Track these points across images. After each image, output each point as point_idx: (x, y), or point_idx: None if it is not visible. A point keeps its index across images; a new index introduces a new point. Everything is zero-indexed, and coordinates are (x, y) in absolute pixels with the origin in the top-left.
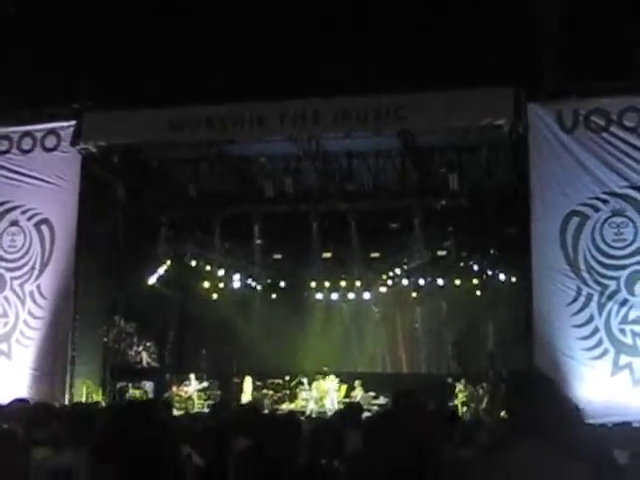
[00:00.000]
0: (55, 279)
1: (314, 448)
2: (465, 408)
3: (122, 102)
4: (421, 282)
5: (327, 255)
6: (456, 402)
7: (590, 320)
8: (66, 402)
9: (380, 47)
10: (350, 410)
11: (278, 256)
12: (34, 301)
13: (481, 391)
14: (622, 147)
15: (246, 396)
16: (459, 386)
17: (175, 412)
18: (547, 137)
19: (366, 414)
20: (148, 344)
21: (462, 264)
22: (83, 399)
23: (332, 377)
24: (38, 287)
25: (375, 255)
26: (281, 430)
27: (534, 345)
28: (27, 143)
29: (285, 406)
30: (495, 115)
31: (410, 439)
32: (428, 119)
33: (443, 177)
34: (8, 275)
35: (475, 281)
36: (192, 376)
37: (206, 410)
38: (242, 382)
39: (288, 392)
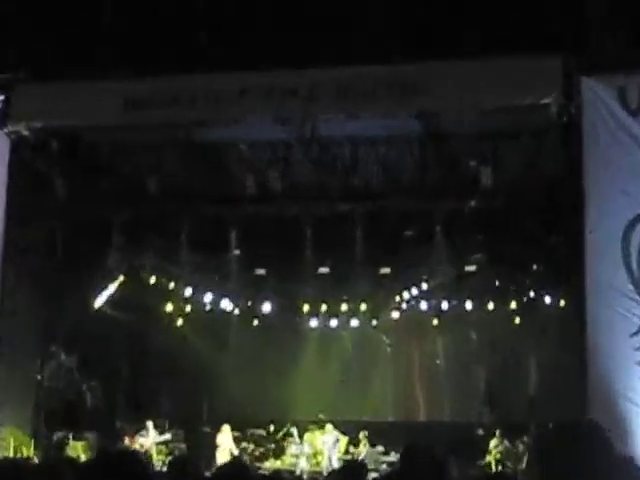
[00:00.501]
0: None
1: None
2: (500, 467)
3: (64, 72)
4: (444, 306)
5: (324, 270)
6: (489, 459)
7: None
8: None
9: (395, 5)
10: (351, 470)
11: (261, 271)
12: None
13: (521, 446)
14: None
15: (223, 452)
16: (493, 440)
17: None
18: (606, 120)
19: (372, 475)
20: (93, 383)
21: (497, 283)
22: (10, 452)
23: (330, 427)
24: None
25: (386, 271)
26: None
27: (588, 387)
28: None
29: (269, 464)
30: (539, 92)
31: None
32: (455, 96)
33: (473, 171)
34: None
35: (513, 305)
36: (150, 424)
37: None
38: (216, 432)
39: (273, 446)
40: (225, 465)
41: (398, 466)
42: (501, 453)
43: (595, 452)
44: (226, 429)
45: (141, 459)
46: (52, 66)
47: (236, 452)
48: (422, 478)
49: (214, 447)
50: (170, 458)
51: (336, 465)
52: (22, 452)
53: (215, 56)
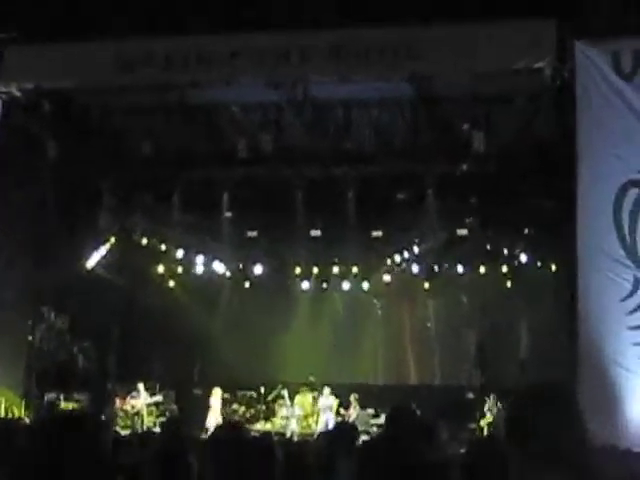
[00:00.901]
0: None
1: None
2: (494, 431)
3: (55, 32)
4: (435, 269)
5: (316, 233)
6: (482, 424)
7: None
8: None
9: None
10: (343, 432)
11: (253, 233)
12: None
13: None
14: None
15: (214, 413)
16: (487, 403)
17: (120, 431)
18: (599, 84)
19: (363, 438)
20: (85, 344)
21: (488, 247)
22: (1, 413)
23: (327, 391)
24: None
25: (377, 234)
26: (251, 459)
27: (578, 351)
28: None
29: (259, 426)
30: (533, 55)
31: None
32: (448, 59)
33: (465, 135)
34: None
35: (504, 269)
36: (141, 386)
37: (157, 429)
38: (208, 394)
39: (264, 408)
40: (220, 427)
41: (384, 429)
42: (494, 417)
43: (564, 415)
44: (217, 392)
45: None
46: (44, 26)
47: (220, 415)
48: (408, 440)
49: (205, 409)
50: (162, 419)
51: (331, 427)
52: (13, 413)
53: (207, 18)
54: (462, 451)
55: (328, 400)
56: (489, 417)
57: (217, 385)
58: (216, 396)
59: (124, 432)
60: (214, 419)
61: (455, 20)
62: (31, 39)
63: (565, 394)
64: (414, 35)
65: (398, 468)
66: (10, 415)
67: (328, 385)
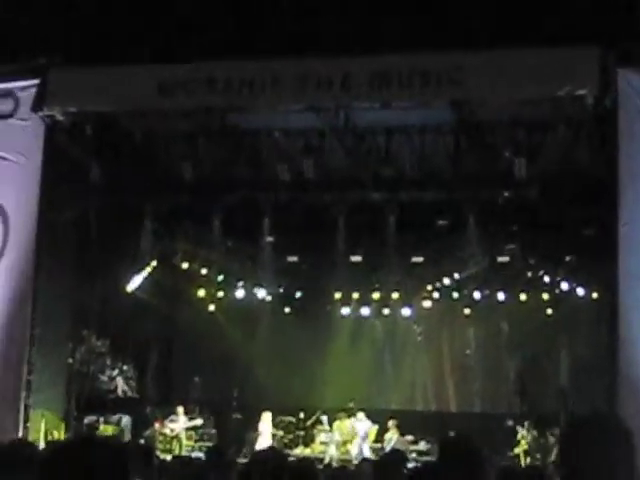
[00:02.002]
0: (8, 281)
1: None
2: (528, 459)
3: (99, 57)
4: (476, 296)
5: (356, 259)
6: (517, 451)
7: None
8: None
9: None
10: (392, 460)
11: (294, 258)
12: None
13: (551, 438)
14: None
15: (264, 439)
16: (522, 431)
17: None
18: None
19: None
20: (125, 367)
21: (529, 274)
22: (41, 436)
23: (361, 415)
24: None
25: (418, 260)
26: None
27: (618, 379)
28: None
29: (299, 451)
30: (576, 83)
31: None
32: (490, 86)
33: (508, 161)
34: None
35: (545, 296)
36: (180, 410)
37: (198, 454)
38: (247, 419)
39: (303, 433)
40: (261, 451)
41: (434, 459)
42: (529, 444)
43: (619, 447)
44: (267, 416)
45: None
46: (87, 51)
47: (270, 440)
48: (460, 469)
49: (244, 433)
50: (201, 443)
51: (367, 454)
52: (53, 435)
53: (250, 43)
54: None
55: (363, 424)
56: (523, 445)
57: (258, 410)
58: (266, 421)
59: (163, 456)
60: (265, 444)
61: (497, 46)
62: (74, 63)
63: (617, 424)
64: (456, 61)
65: None
66: (50, 437)
67: (367, 410)
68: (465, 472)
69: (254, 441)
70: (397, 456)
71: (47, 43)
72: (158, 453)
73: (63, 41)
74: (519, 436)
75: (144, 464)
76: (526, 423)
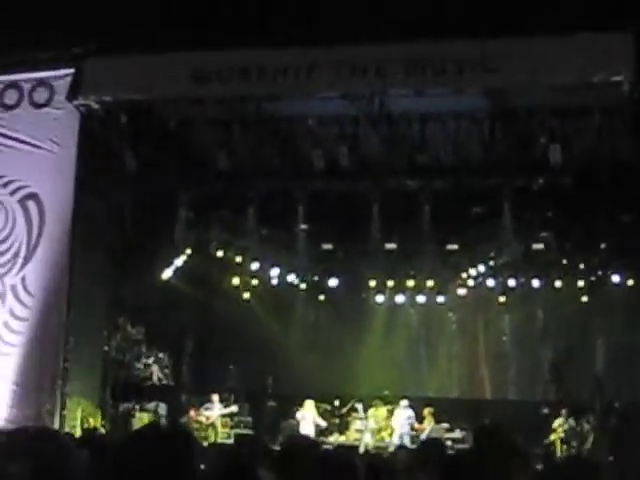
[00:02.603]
0: (44, 270)
1: None
2: (565, 447)
3: (133, 45)
4: (511, 283)
5: (391, 246)
6: (553, 438)
7: None
8: (56, 427)
9: None
10: (430, 449)
11: (328, 246)
12: (17, 298)
13: (586, 426)
14: None
15: (307, 426)
16: (558, 419)
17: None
18: None
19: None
20: (160, 355)
21: (565, 261)
22: (77, 423)
23: (405, 402)
24: (22, 280)
25: (453, 247)
26: (333, 473)
27: None
28: (11, 97)
29: (333, 439)
30: (611, 69)
31: None
32: (524, 73)
33: (542, 148)
34: None
35: (581, 283)
36: (215, 397)
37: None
38: (292, 407)
39: (338, 421)
40: (295, 439)
41: (469, 447)
42: (565, 432)
43: None
44: (309, 404)
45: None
46: (121, 39)
47: (323, 424)
48: (495, 457)
49: (279, 421)
50: (236, 430)
51: (407, 442)
52: (89, 423)
53: (284, 30)
54: (537, 467)
55: (405, 412)
56: (560, 433)
57: (292, 397)
58: (308, 408)
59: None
60: (308, 431)
61: (532, 33)
62: (109, 52)
63: None
64: (490, 48)
65: None
66: (86, 425)
67: (401, 398)
68: (499, 460)
69: (292, 429)
70: (435, 445)
71: (82, 32)
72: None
73: (97, 30)
74: (555, 424)
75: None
76: (563, 411)
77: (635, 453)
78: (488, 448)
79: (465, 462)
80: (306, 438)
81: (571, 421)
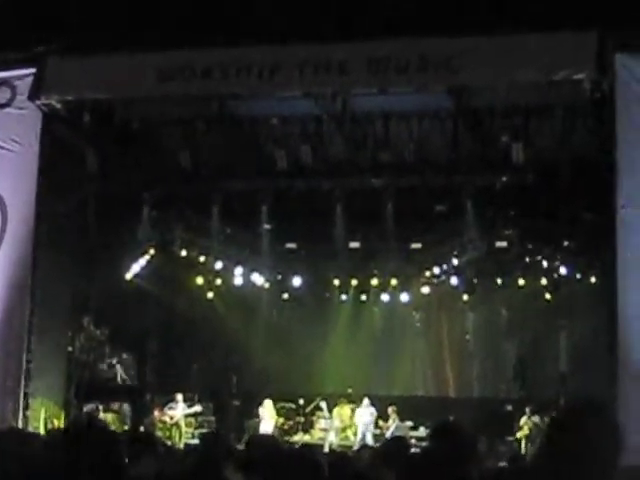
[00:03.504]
0: (7, 270)
1: None
2: (530, 445)
3: (95, 45)
4: (474, 281)
5: (355, 245)
6: (519, 436)
7: None
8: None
9: None
10: (393, 448)
11: (292, 245)
12: None
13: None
14: None
15: (267, 426)
16: (524, 417)
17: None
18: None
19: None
20: (124, 356)
21: (527, 259)
22: (41, 424)
23: (366, 401)
24: None
25: (416, 246)
26: (297, 471)
27: (619, 363)
28: None
29: (298, 438)
30: (573, 67)
31: None
32: (487, 72)
33: (505, 147)
34: None
35: (544, 281)
36: (179, 397)
37: (196, 441)
38: (246, 406)
39: (302, 420)
40: (258, 438)
41: (430, 443)
42: (530, 430)
43: (584, 431)
44: (268, 404)
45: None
46: (84, 38)
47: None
48: (453, 455)
49: (243, 420)
50: (201, 430)
51: (370, 440)
52: (53, 423)
53: (247, 30)
54: (501, 464)
55: (367, 410)
56: (525, 430)
57: (256, 396)
58: (267, 408)
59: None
60: (267, 431)
61: (494, 32)
62: (71, 51)
63: (606, 411)
64: (453, 47)
65: None
66: (50, 426)
67: (366, 397)
68: (456, 457)
69: (255, 428)
70: (399, 444)
71: (44, 31)
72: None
73: (59, 29)
74: (522, 422)
75: (148, 452)
76: (527, 409)
77: (567, 452)
78: (444, 446)
79: (424, 460)
80: (270, 437)
81: (535, 418)
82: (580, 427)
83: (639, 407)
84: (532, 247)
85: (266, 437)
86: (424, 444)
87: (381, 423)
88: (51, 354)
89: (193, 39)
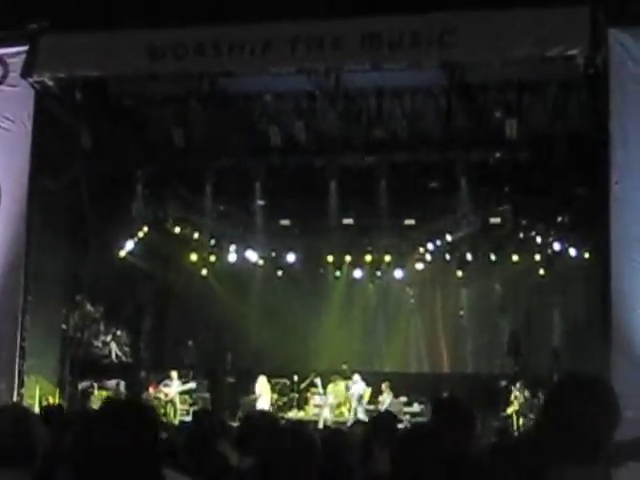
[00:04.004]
0: (0, 249)
1: (329, 468)
2: (521, 419)
3: (88, 22)
4: (468, 257)
5: (348, 222)
6: (510, 411)
7: None
8: None
9: None
10: (382, 422)
11: (286, 222)
12: None
13: (543, 398)
14: None
15: (263, 402)
16: (515, 391)
17: None
18: (633, 72)
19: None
20: (119, 333)
21: (521, 235)
22: (35, 402)
23: (357, 377)
24: None
25: (410, 222)
26: (291, 448)
27: (612, 339)
28: None
29: (292, 414)
30: (566, 43)
31: (452, 466)
32: (481, 47)
33: (498, 123)
34: None
35: (537, 257)
36: (174, 374)
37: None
38: (241, 382)
39: (297, 396)
40: (253, 415)
41: (427, 420)
42: (521, 405)
43: (580, 403)
44: (262, 380)
45: (150, 411)
46: (76, 15)
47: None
48: (452, 430)
49: (238, 397)
50: (195, 407)
51: (362, 416)
52: (48, 401)
53: (239, 6)
54: (494, 440)
55: (358, 386)
56: (515, 405)
57: (251, 373)
58: (262, 384)
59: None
60: (264, 407)
61: (488, 7)
62: (63, 29)
63: (601, 384)
64: (447, 23)
65: (440, 459)
66: (45, 403)
67: (361, 373)
68: (457, 433)
69: (252, 404)
70: (388, 418)
71: (36, 9)
72: None
73: (52, 6)
74: (512, 397)
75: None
76: (518, 383)
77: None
78: (446, 421)
79: (423, 435)
80: (264, 413)
81: (527, 393)
82: (574, 400)
83: (631, 383)
84: (526, 223)
85: (260, 413)
86: (418, 419)
87: (376, 400)
88: (45, 332)
89: (184, 16)
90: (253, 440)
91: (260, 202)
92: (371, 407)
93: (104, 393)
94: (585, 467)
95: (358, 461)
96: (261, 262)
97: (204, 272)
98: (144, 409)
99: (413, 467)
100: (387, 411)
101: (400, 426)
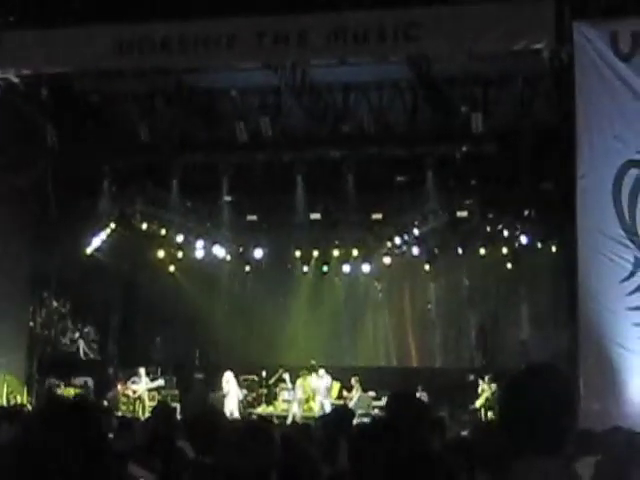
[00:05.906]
0: None
1: (290, 464)
2: (489, 412)
3: (53, 17)
4: (436, 251)
5: (316, 216)
6: (478, 404)
7: None
8: None
9: None
10: (337, 416)
11: (253, 217)
12: None
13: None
14: None
15: (232, 397)
16: (483, 384)
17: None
18: (598, 65)
19: (365, 420)
20: (86, 330)
21: (488, 229)
22: (3, 399)
23: (322, 372)
24: None
25: (377, 216)
26: (249, 443)
27: (579, 332)
28: None
29: (261, 409)
30: (532, 36)
31: (404, 460)
32: (446, 41)
33: (465, 117)
34: None
35: (505, 250)
36: (142, 371)
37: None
38: (209, 379)
39: (265, 392)
40: (206, 411)
41: (384, 414)
42: (489, 398)
43: (534, 393)
44: (228, 376)
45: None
46: (42, 11)
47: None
48: (408, 424)
49: (207, 393)
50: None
51: (329, 410)
52: (16, 398)
53: (205, 1)
54: (463, 434)
55: (324, 380)
56: (483, 398)
57: (220, 369)
58: (229, 380)
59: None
60: (232, 403)
61: (453, 1)
62: (29, 24)
63: (555, 375)
64: (412, 17)
65: (395, 454)
66: (13, 401)
67: (329, 368)
68: (411, 425)
69: (221, 401)
70: (340, 413)
71: (0, 4)
72: (121, 414)
73: (17, 2)
74: (479, 390)
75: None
76: (486, 377)
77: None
78: (400, 414)
79: (377, 429)
80: (220, 410)
81: (494, 386)
82: (528, 392)
83: (599, 375)
84: (493, 217)
85: (217, 410)
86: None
87: (345, 394)
88: (12, 329)
89: (149, 11)
90: (210, 437)
91: (227, 197)
92: (340, 402)
93: (72, 390)
94: (544, 458)
95: (321, 457)
96: (228, 258)
97: (171, 268)
98: (85, 409)
99: (370, 462)
100: (341, 406)
101: (366, 420)
